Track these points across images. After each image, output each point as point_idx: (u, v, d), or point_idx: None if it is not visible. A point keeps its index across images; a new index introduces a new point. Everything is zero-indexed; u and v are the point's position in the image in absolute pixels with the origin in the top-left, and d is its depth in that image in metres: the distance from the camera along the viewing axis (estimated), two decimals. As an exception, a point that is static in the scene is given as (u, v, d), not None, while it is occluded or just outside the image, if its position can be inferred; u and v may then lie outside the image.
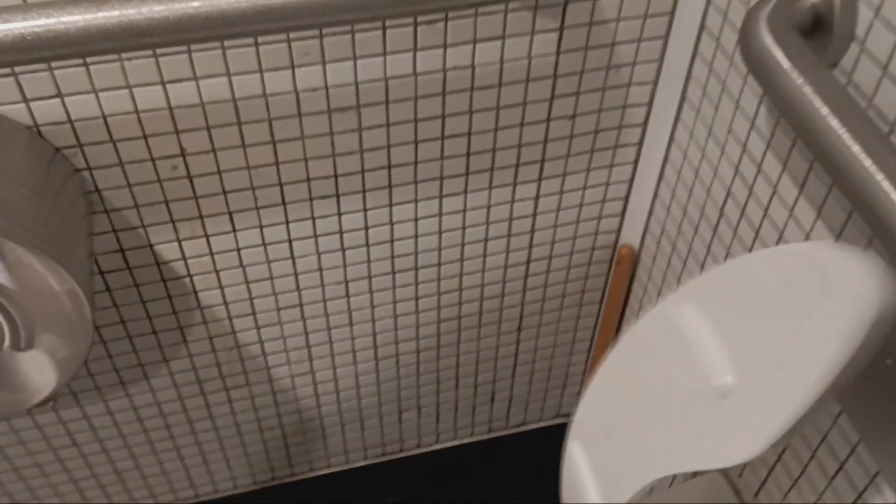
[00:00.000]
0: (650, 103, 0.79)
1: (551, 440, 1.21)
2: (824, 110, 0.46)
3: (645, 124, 0.81)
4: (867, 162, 0.43)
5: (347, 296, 0.88)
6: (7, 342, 0.64)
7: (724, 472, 0.79)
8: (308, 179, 0.76)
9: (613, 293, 0.98)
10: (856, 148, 0.45)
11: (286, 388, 0.97)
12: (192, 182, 0.73)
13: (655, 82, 0.77)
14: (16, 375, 0.68)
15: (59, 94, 0.64)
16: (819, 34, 0.54)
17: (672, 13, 0.72)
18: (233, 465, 1.06)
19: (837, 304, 0.36)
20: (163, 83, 0.65)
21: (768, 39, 0.49)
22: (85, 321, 0.66)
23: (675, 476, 0.91)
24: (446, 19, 0.68)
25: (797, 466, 0.67)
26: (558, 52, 0.72)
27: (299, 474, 1.11)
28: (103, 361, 0.86)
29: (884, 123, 0.51)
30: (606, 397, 0.58)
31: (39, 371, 0.68)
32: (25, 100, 0.64)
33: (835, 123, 0.46)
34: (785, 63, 0.48)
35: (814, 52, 0.50)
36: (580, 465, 0.60)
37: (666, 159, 0.82)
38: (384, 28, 0.67)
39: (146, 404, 0.92)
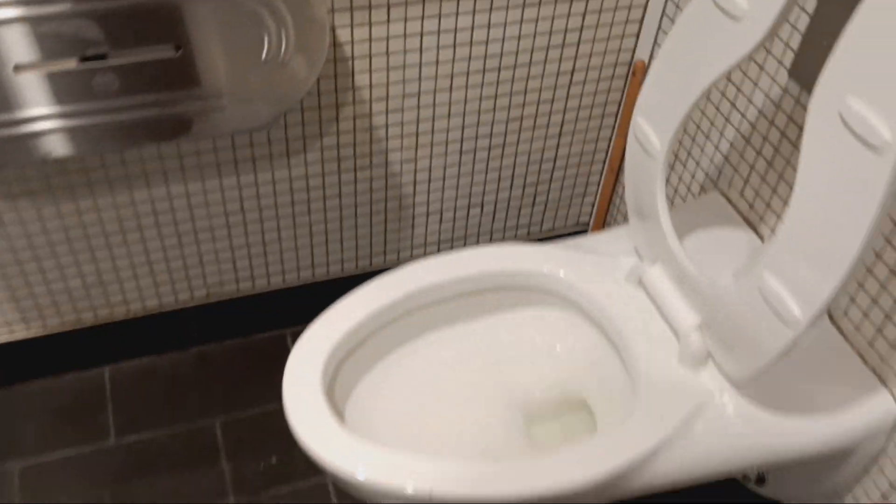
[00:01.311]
0: (664, -61, 1.17)
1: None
2: None
3: (660, -44, 1.19)
4: None
5: (451, 89, 1.22)
6: (282, 53, 0.95)
7: (724, 192, 1.16)
8: (442, -18, 1.10)
9: (629, 103, 1.35)
10: None
11: (396, 173, 1.29)
12: (369, -24, 1.06)
13: (669, -78, 1.16)
14: (271, 87, 0.99)
15: None
16: None
17: None
18: (345, 247, 1.37)
19: None
20: None
21: None
22: (322, 50, 0.98)
23: (683, 200, 1.28)
24: None
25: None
26: None
27: (389, 263, 1.43)
28: (278, 130, 1.17)
29: None
30: (661, 75, 0.93)
31: (284, 86, 0.99)
32: None
33: None
34: None
35: None
36: (645, 130, 0.94)
37: (673, -18, 1.20)
38: None
39: (299, 177, 1.23)
